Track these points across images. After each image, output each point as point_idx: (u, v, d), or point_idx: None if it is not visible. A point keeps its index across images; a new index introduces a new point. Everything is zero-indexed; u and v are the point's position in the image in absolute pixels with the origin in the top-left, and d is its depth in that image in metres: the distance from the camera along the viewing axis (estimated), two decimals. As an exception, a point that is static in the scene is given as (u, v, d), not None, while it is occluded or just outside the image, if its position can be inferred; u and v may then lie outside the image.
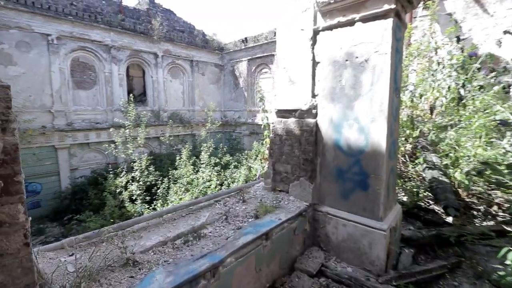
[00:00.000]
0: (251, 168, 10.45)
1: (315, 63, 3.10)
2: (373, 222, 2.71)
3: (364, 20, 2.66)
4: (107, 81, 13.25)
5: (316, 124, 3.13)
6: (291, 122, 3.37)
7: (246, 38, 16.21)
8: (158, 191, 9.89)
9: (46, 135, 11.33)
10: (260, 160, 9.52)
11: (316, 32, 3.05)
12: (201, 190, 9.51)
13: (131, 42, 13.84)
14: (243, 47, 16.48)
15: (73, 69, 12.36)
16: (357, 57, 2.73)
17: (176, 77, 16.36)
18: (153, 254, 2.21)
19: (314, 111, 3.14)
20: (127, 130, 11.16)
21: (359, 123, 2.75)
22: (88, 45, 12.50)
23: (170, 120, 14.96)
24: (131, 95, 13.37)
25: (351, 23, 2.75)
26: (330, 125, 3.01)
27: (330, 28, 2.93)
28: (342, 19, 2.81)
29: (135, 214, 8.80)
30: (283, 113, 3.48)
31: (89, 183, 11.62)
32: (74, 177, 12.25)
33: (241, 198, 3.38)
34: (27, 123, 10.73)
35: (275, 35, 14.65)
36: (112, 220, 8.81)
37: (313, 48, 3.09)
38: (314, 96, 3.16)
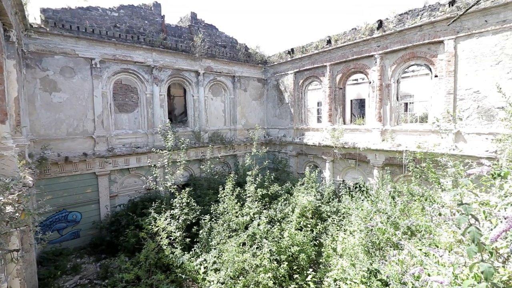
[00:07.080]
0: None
1: None
2: None
3: None
4: (149, 102, 12.60)
5: None
6: None
7: (292, 49, 14.60)
8: (200, 232, 8.51)
9: (87, 162, 10.83)
10: None
11: None
12: (249, 234, 7.88)
13: (173, 61, 13.13)
14: (289, 59, 14.87)
15: (115, 92, 11.91)
16: None
17: (218, 94, 15.32)
18: None
19: None
20: (165, 160, 10.14)
21: None
22: (130, 67, 12.00)
23: (211, 142, 13.82)
24: (172, 115, 12.60)
25: None
26: None
27: None
28: None
29: (174, 264, 7.46)
30: None
31: (127, 210, 10.73)
32: (113, 204, 11.60)
33: None
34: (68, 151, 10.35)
35: (328, 43, 12.76)
36: (148, 269, 7.58)
37: None
38: None
